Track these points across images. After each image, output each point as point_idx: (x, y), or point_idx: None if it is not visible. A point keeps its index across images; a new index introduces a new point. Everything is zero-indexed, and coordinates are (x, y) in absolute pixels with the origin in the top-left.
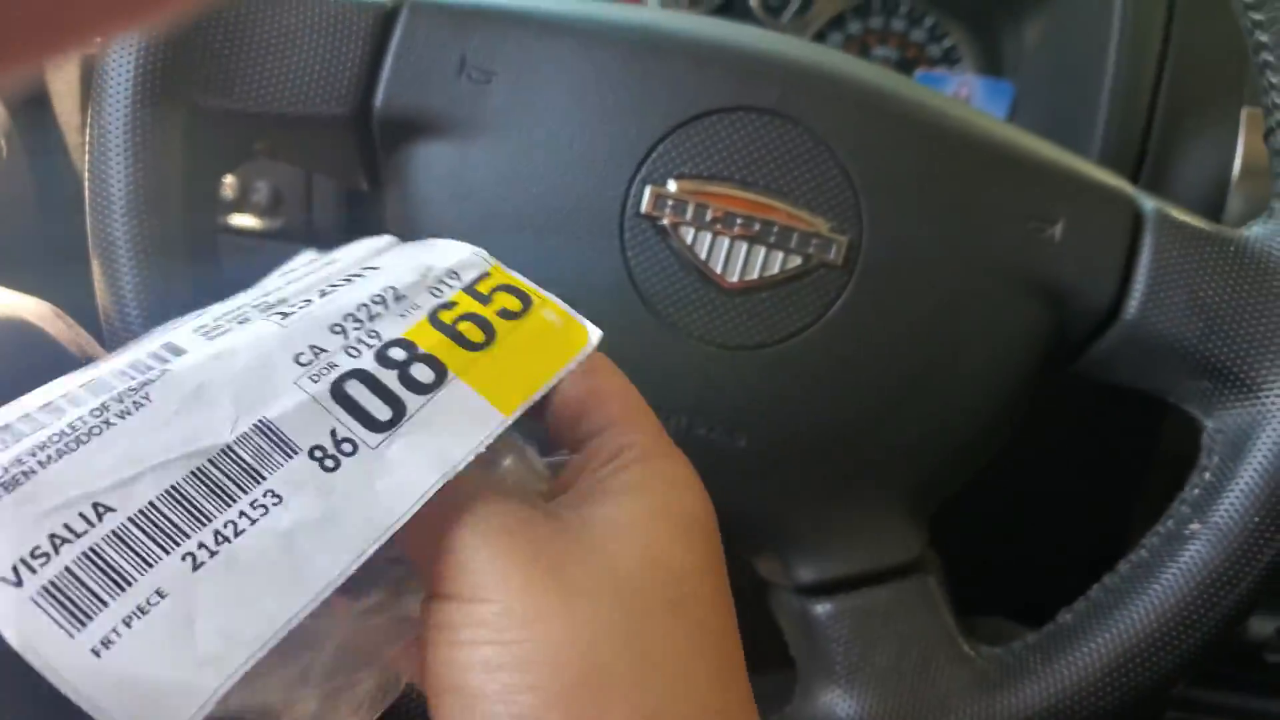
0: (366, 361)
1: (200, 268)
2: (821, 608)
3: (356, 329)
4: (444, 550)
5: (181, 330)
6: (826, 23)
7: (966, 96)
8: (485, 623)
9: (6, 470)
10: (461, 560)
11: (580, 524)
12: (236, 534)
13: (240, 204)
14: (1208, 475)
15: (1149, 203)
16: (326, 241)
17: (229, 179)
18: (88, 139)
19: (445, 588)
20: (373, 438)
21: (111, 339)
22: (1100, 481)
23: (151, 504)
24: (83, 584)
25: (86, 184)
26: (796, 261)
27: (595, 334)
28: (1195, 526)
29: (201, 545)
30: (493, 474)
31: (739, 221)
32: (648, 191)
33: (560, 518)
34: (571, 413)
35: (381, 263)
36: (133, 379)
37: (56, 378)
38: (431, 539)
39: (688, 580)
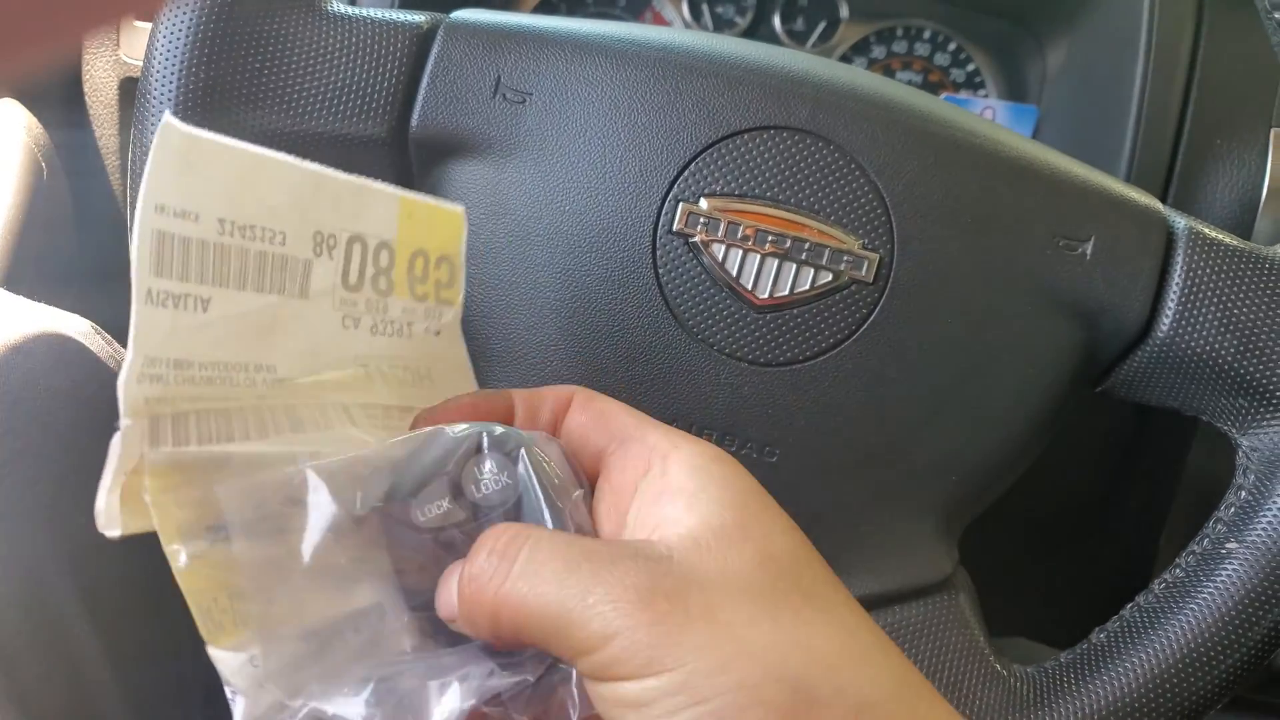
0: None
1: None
2: None
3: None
4: (602, 640)
5: None
6: (850, 48)
7: (991, 120)
8: (679, 689)
9: None
10: (626, 645)
11: (685, 552)
12: None
13: None
14: (1243, 494)
15: (1181, 220)
16: None
17: None
18: (130, 158)
19: (618, 671)
20: None
21: None
22: (1125, 500)
23: None
24: None
25: (127, 201)
26: (827, 278)
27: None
28: (1232, 545)
29: None
30: (571, 528)
31: (770, 239)
32: (680, 209)
33: (665, 559)
34: (582, 434)
35: None
36: None
37: (96, 391)
38: (580, 630)
39: (795, 557)
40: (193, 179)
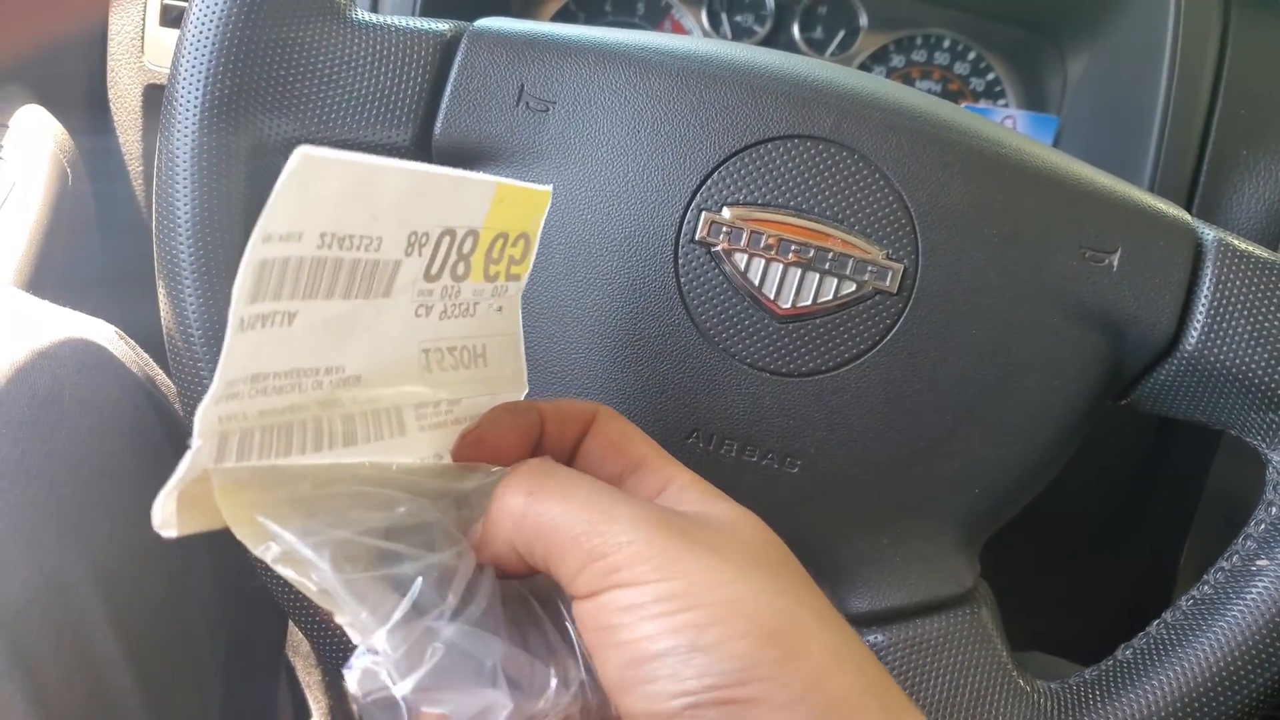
0: None
1: None
2: (873, 639)
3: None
4: (615, 547)
5: None
6: (869, 56)
7: (1016, 130)
8: (677, 595)
9: None
10: (639, 550)
11: (699, 516)
12: None
13: None
14: (1275, 510)
15: (1209, 232)
16: None
17: None
18: (156, 165)
19: (624, 577)
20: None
21: (174, 360)
22: (1146, 515)
23: None
24: None
25: (154, 208)
26: (850, 288)
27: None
28: (1263, 563)
29: None
30: None
31: (793, 248)
32: (702, 218)
33: (680, 512)
34: (600, 456)
35: None
36: None
37: (121, 396)
38: (597, 537)
39: (788, 559)
40: (305, 198)
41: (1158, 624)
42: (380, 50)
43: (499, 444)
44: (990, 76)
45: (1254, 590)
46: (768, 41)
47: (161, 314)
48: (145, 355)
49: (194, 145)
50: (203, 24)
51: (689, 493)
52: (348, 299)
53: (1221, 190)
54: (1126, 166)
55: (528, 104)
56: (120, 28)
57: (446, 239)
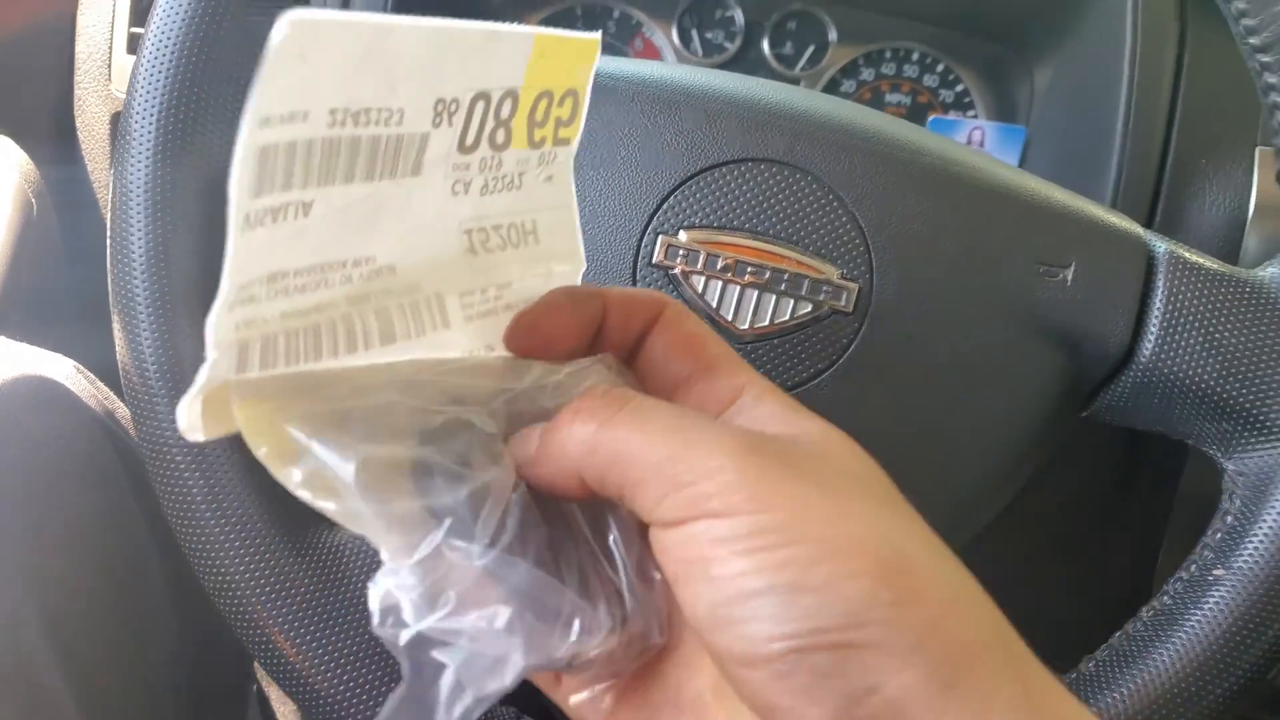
0: None
1: None
2: None
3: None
4: (704, 473)
5: None
6: (839, 71)
7: (979, 141)
8: (777, 528)
9: None
10: (730, 479)
11: (788, 439)
12: None
13: None
14: (1229, 519)
15: (1161, 244)
16: None
17: None
18: (110, 197)
19: (715, 506)
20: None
21: (130, 395)
22: (1122, 522)
23: None
24: None
25: (109, 241)
26: (807, 308)
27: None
28: (1219, 572)
29: None
30: None
31: (750, 270)
32: (659, 242)
33: (769, 435)
34: (665, 355)
35: None
36: None
37: (77, 433)
38: (682, 463)
39: (885, 483)
40: (305, 72)
41: (1119, 635)
42: None
43: (555, 330)
44: (959, 88)
45: (1211, 600)
46: (738, 58)
47: (116, 348)
48: (105, 389)
49: (148, 176)
50: (158, 54)
51: (765, 404)
52: (371, 181)
53: (1184, 199)
54: (1092, 175)
55: None
56: (87, 55)
57: (481, 104)
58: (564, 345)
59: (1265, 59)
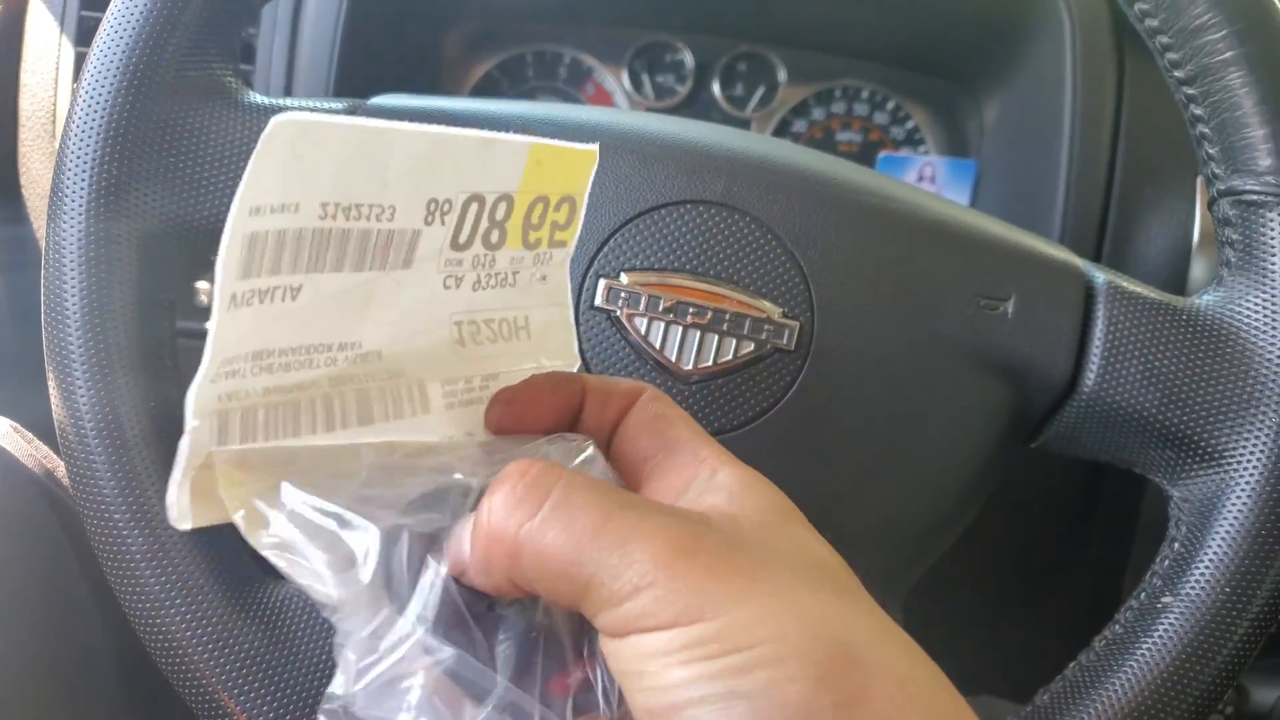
0: None
1: (157, 379)
2: None
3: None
4: (633, 589)
5: None
6: (790, 110)
7: (931, 176)
8: (711, 638)
9: None
10: (660, 594)
11: (726, 524)
12: None
13: None
14: (1177, 545)
15: (1100, 275)
16: None
17: (204, 285)
18: (44, 255)
19: (649, 623)
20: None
21: (67, 454)
22: (1085, 554)
23: None
24: None
25: (43, 298)
26: (750, 348)
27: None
28: (1168, 599)
29: None
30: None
31: (691, 310)
32: (601, 285)
33: (706, 521)
34: (635, 437)
35: None
36: None
37: (13, 494)
38: (612, 580)
39: (829, 562)
40: (297, 168)
41: (1073, 665)
42: None
43: (533, 410)
44: (909, 125)
45: (1161, 627)
46: (689, 100)
47: (52, 407)
48: (44, 448)
49: (81, 233)
50: (89, 110)
51: (720, 480)
52: (360, 271)
53: (1131, 229)
54: (1040, 208)
55: None
56: (31, 112)
57: (474, 205)
58: (541, 425)
59: (1190, 91)
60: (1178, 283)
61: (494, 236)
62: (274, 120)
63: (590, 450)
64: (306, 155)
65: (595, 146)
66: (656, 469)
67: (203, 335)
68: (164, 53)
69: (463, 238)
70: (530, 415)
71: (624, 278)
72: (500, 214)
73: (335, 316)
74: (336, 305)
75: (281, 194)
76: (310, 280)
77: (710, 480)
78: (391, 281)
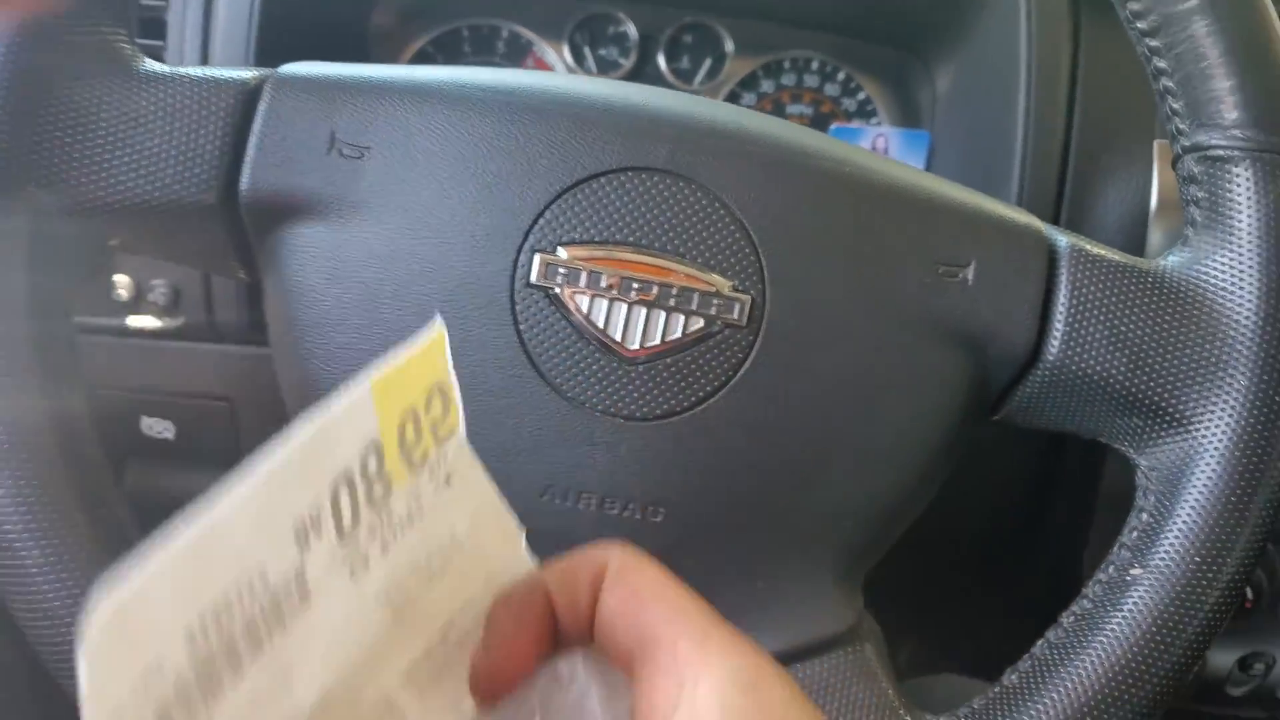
0: None
1: (55, 379)
2: None
3: None
4: None
5: None
6: (738, 83)
7: (883, 148)
8: None
9: None
10: None
11: None
12: None
13: (137, 304)
14: (1145, 516)
15: (1063, 238)
16: (229, 340)
17: (123, 278)
18: None
19: None
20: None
21: None
22: (1049, 524)
23: None
24: None
25: None
26: (699, 324)
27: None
28: (1137, 571)
29: None
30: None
31: (635, 286)
32: (537, 260)
33: None
34: (611, 626)
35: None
36: None
37: None
38: None
39: None
40: (135, 639)
41: (1041, 643)
42: (173, 104)
43: (514, 658)
44: (861, 96)
45: (1130, 601)
46: (634, 74)
47: None
48: None
49: None
50: None
51: (704, 700)
52: (261, 653)
53: (1088, 195)
54: (996, 177)
55: (341, 151)
56: None
57: (344, 489)
58: (526, 662)
59: (1153, 43)
60: (1136, 250)
61: (378, 491)
62: (83, 633)
63: (580, 680)
64: (133, 629)
65: (437, 323)
66: (641, 675)
67: (110, 331)
68: (45, 14)
69: (345, 525)
70: (514, 664)
71: (562, 252)
72: (373, 467)
73: (262, 710)
74: (256, 703)
75: (128, 681)
76: (217, 704)
77: (701, 700)
78: (298, 632)
